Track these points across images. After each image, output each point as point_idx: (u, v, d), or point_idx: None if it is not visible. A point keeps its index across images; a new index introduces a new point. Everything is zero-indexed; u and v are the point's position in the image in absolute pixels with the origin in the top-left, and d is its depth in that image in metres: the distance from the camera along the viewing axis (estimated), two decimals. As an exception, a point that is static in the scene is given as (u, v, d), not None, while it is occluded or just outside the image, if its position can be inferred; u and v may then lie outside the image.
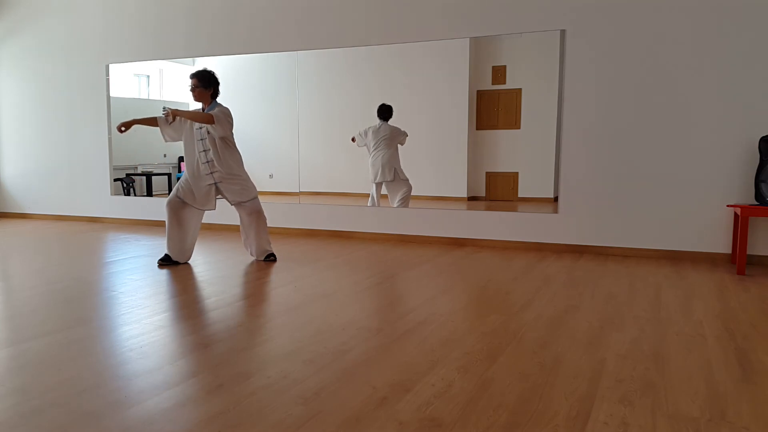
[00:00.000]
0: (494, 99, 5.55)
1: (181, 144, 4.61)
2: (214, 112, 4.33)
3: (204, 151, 4.44)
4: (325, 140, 6.36)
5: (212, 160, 4.44)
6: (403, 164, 6.02)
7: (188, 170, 4.51)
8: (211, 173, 4.46)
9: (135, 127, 4.38)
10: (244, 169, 4.58)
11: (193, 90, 4.40)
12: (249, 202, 4.59)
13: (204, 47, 6.52)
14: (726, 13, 4.66)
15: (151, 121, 4.45)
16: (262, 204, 4.72)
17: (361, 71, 6.06)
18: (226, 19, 6.38)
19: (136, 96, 7.21)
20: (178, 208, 4.49)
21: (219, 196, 4.60)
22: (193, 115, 4.28)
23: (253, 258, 4.82)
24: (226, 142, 4.45)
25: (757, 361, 2.52)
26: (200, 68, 4.49)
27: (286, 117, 6.41)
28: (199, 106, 4.54)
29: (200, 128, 4.44)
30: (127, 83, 7.17)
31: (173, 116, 4.37)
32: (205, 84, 4.38)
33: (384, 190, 6.13)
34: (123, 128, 4.27)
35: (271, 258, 4.76)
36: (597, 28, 5.02)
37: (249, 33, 6.30)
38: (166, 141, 4.60)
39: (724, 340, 2.80)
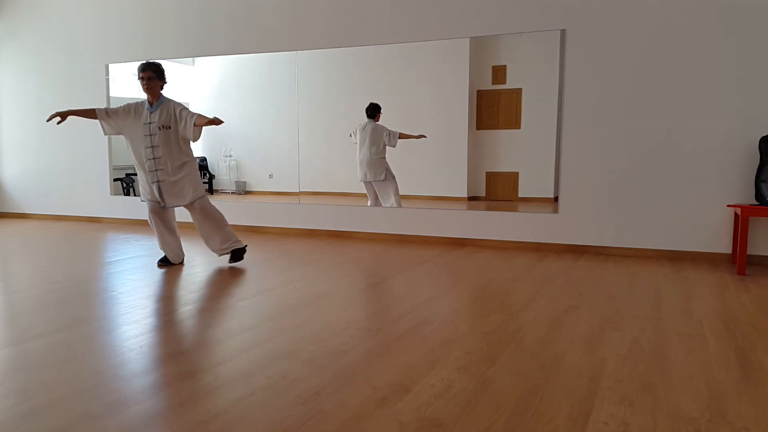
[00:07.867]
0: (494, 99, 5.55)
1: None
2: (190, 111, 4.17)
3: (152, 147, 4.21)
4: (325, 140, 6.36)
5: (159, 158, 4.21)
6: (404, 164, 6.01)
7: (137, 167, 4.31)
8: (156, 171, 4.24)
9: None
10: (193, 168, 4.35)
11: (148, 81, 4.16)
12: (197, 201, 4.34)
13: (204, 47, 6.52)
14: (726, 13, 4.66)
15: (90, 113, 4.23)
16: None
17: (361, 71, 6.05)
18: (227, 19, 6.38)
19: (136, 96, 7.21)
20: (157, 210, 4.40)
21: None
22: (201, 120, 4.04)
23: (253, 259, 4.82)
24: (185, 140, 4.26)
25: (757, 361, 2.52)
26: (149, 61, 4.29)
27: (286, 117, 6.41)
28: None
29: (151, 123, 4.20)
30: (127, 83, 7.17)
31: (63, 118, 4.08)
32: (160, 76, 4.23)
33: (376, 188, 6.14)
34: (59, 119, 4.06)
35: (234, 255, 4.52)
36: (597, 28, 5.02)
37: (249, 33, 6.30)
38: (105, 134, 4.40)
39: (724, 340, 2.80)
